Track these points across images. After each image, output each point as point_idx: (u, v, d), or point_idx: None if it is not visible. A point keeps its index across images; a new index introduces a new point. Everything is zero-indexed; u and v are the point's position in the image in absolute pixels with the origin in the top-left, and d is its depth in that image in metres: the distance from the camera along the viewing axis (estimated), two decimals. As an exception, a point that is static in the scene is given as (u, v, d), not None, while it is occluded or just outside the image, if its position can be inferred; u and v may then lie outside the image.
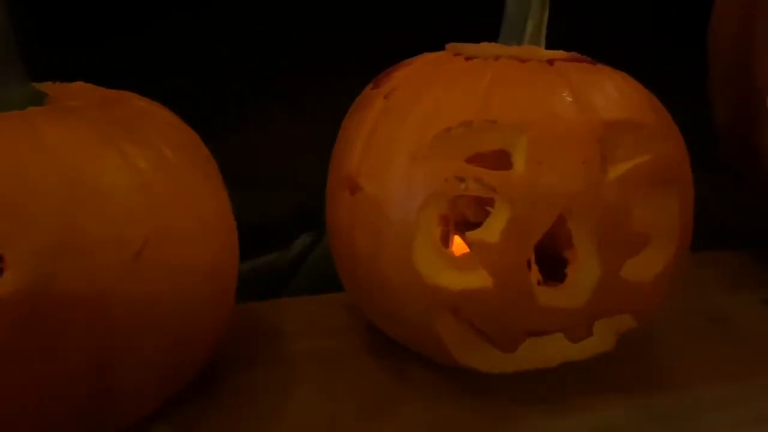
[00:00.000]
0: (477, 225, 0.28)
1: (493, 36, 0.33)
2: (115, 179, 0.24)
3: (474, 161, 0.29)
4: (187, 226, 0.26)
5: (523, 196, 0.26)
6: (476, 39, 0.33)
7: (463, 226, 0.29)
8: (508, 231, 0.26)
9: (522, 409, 0.31)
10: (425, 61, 0.31)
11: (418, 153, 0.28)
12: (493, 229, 0.27)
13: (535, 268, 0.31)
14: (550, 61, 0.30)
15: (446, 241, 0.30)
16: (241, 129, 0.48)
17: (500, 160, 0.28)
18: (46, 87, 0.29)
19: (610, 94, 0.28)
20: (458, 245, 0.30)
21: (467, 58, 0.30)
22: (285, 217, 0.49)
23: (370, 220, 0.29)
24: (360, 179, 0.30)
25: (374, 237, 0.29)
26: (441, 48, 0.33)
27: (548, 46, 0.32)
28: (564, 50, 0.32)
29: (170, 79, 0.42)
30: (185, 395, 0.30)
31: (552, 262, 0.30)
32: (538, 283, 0.30)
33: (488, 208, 0.27)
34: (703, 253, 0.48)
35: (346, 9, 0.47)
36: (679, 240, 0.29)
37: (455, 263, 0.28)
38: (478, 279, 0.27)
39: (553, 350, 0.30)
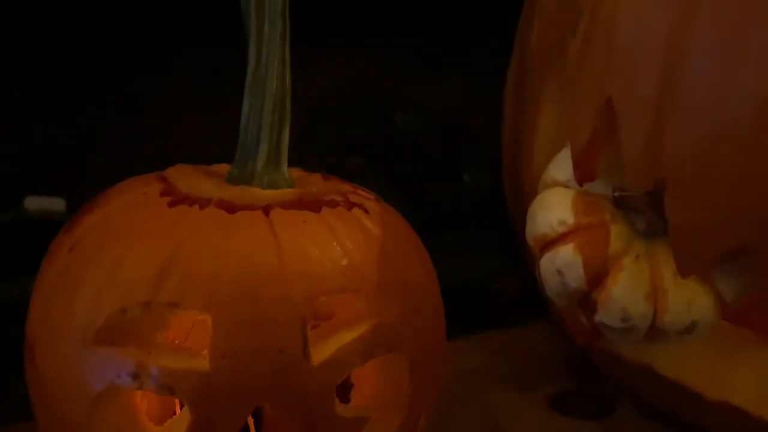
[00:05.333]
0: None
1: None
2: None
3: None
4: None
5: (204, 398, 0.22)
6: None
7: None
8: (191, 438, 0.23)
9: None
10: (124, 200, 0.26)
11: (88, 337, 0.23)
12: (174, 436, 0.23)
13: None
14: (267, 209, 0.26)
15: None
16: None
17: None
18: None
19: (326, 255, 0.24)
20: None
21: (173, 202, 0.26)
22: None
23: (45, 409, 0.24)
24: (36, 353, 0.25)
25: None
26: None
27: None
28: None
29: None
30: None
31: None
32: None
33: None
34: (491, 335, 0.47)
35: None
36: (409, 406, 0.26)
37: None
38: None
39: None
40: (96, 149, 0.50)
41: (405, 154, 0.55)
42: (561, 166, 0.30)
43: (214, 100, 0.48)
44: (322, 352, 0.24)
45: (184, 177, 0.28)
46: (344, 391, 0.28)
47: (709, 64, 0.24)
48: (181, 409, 0.26)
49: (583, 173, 0.28)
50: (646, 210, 0.27)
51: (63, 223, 0.48)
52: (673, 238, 0.26)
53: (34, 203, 0.48)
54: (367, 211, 0.28)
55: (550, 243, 0.29)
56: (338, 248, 0.25)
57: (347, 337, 0.24)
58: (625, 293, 0.27)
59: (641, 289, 0.27)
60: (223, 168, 0.31)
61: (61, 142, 0.49)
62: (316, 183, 0.30)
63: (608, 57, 0.26)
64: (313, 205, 0.27)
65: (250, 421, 0.28)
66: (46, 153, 0.49)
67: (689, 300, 0.27)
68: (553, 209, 0.29)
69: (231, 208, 0.26)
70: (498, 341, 0.46)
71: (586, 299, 0.28)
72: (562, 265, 0.28)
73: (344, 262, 0.25)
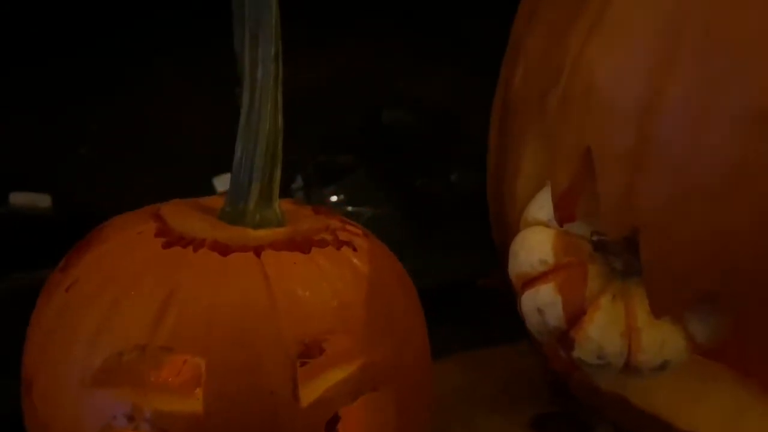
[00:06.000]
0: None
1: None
2: None
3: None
4: None
5: (199, 440, 0.24)
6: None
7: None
8: (185, 479, 0.24)
9: None
10: (120, 240, 0.27)
11: (86, 378, 0.24)
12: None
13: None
14: (258, 251, 0.27)
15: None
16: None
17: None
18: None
19: (316, 296, 0.26)
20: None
21: (167, 243, 0.27)
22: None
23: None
24: (33, 390, 0.25)
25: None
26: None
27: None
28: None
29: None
30: None
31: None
32: None
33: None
34: (474, 354, 0.48)
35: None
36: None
37: None
38: None
39: None
40: (82, 145, 0.51)
41: (395, 152, 0.56)
42: (542, 207, 0.31)
43: (204, 96, 0.49)
44: (311, 392, 0.25)
45: (178, 215, 0.29)
46: (332, 424, 0.29)
47: (682, 123, 0.25)
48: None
49: (564, 214, 0.30)
50: (623, 253, 0.29)
51: (48, 219, 0.48)
52: (646, 282, 0.27)
53: (19, 199, 0.49)
54: (355, 249, 0.29)
55: (531, 281, 0.30)
56: (328, 289, 0.26)
57: (336, 376, 0.25)
58: (601, 332, 0.28)
59: (617, 328, 0.28)
60: (216, 202, 0.31)
61: (47, 138, 0.49)
62: (306, 218, 0.31)
63: (587, 110, 0.27)
64: (303, 245, 0.28)
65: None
66: (32, 149, 0.49)
67: (662, 340, 0.28)
68: (534, 248, 0.30)
69: (224, 250, 0.26)
70: (481, 361, 0.47)
71: (564, 336, 0.30)
72: (542, 304, 0.29)
73: (334, 303, 0.26)
